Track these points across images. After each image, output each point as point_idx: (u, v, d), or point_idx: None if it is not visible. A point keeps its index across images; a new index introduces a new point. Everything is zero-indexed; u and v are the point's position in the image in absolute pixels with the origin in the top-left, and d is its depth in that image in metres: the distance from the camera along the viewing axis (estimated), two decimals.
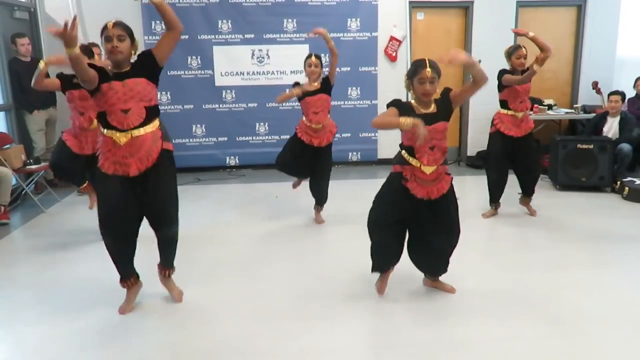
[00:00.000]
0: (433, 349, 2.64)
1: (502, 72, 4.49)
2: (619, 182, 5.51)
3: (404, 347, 2.67)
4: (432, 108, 2.82)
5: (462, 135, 7.44)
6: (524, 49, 4.46)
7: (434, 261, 3.14)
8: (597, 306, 3.06)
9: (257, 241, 4.28)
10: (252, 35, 6.74)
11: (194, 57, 6.70)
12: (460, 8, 7.15)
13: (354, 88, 6.96)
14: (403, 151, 2.90)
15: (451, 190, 2.97)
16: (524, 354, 2.58)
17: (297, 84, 4.48)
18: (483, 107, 7.03)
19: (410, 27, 7.02)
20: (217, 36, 6.69)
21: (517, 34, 4.66)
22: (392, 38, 6.94)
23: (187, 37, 6.59)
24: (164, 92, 6.70)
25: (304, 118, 4.49)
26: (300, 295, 3.27)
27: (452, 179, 2.99)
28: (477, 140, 7.29)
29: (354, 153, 7.10)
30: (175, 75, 6.70)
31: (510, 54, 4.51)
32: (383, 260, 3.15)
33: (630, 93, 6.55)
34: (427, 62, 2.74)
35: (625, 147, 5.75)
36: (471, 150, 7.33)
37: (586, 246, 4.06)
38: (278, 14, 6.72)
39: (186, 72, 6.73)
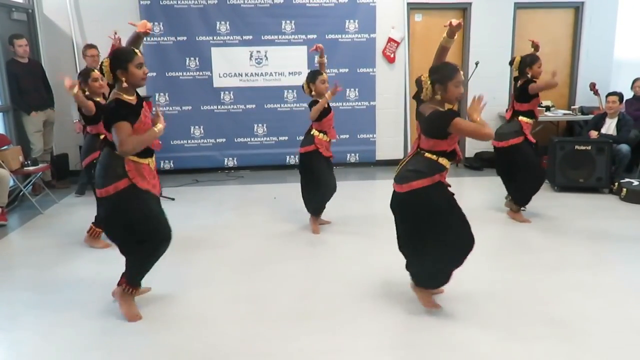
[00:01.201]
0: (432, 351, 2.64)
1: (528, 82, 4.48)
2: (616, 184, 5.52)
3: (402, 348, 2.67)
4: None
5: (460, 137, 7.42)
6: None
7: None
8: (596, 307, 3.07)
9: (255, 243, 4.27)
10: (251, 37, 6.73)
11: (192, 58, 6.69)
12: (459, 9, 7.16)
13: (352, 89, 6.96)
14: (440, 158, 2.81)
15: None
16: (522, 355, 2.59)
17: None
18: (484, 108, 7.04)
19: (409, 29, 7.03)
20: (215, 37, 6.68)
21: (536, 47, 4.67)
22: (390, 39, 6.94)
23: (185, 38, 6.61)
24: (162, 93, 6.69)
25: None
26: (299, 296, 3.27)
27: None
28: (476, 142, 7.29)
29: (353, 154, 7.10)
30: (174, 76, 6.69)
31: (530, 63, 4.48)
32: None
33: (628, 94, 6.56)
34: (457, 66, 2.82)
35: (624, 148, 5.76)
36: (469, 152, 7.34)
37: (584, 247, 4.06)
38: (276, 16, 6.72)
39: (184, 74, 6.72)
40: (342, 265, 3.70)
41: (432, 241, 2.81)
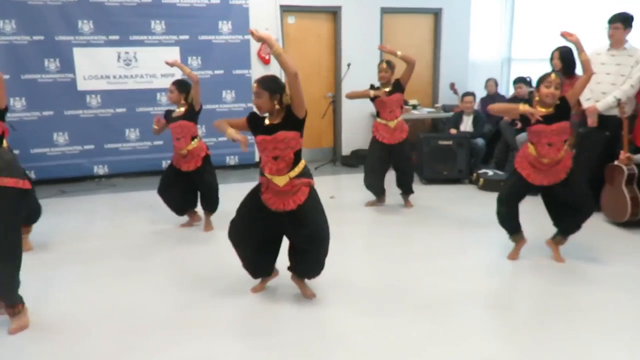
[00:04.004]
0: (309, 343, 2.71)
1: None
2: (475, 174, 6.07)
3: (281, 346, 2.71)
4: (278, 119, 2.87)
5: (336, 135, 7.69)
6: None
7: (306, 267, 3.16)
8: (460, 289, 3.35)
9: (130, 253, 4.07)
10: (117, 37, 6.39)
11: (51, 59, 6.18)
12: (329, 13, 7.40)
13: (228, 91, 6.89)
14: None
15: (311, 200, 2.96)
16: (395, 341, 2.75)
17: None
18: (355, 108, 7.36)
19: (282, 31, 7.12)
20: (77, 37, 6.23)
21: (383, 50, 4.92)
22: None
23: (42, 37, 6.09)
24: (17, 98, 6.10)
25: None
26: (178, 305, 3.18)
27: (309, 190, 2.97)
28: (352, 140, 7.61)
29: (232, 157, 7.03)
30: (31, 79, 6.13)
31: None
32: (255, 271, 3.21)
33: (482, 93, 7.24)
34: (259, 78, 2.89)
35: (480, 142, 6.34)
36: (346, 150, 7.62)
37: (449, 234, 4.42)
38: (145, 15, 6.44)
39: (43, 76, 6.19)
40: (222, 269, 3.65)
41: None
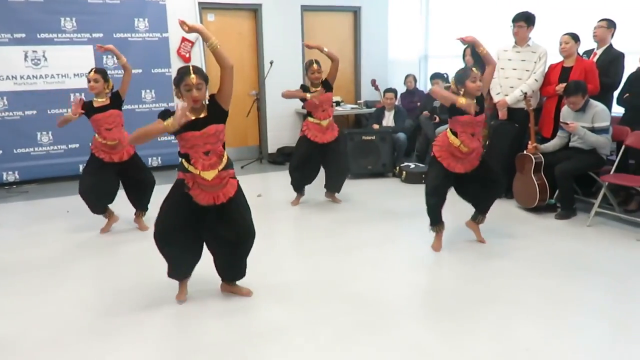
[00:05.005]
0: (241, 345, 2.70)
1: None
2: (398, 168, 6.27)
3: (211, 346, 2.68)
4: (204, 113, 2.79)
5: (261, 133, 7.67)
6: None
7: (230, 267, 3.15)
8: (389, 279, 3.46)
9: (45, 263, 3.85)
10: (24, 35, 5.99)
11: None
12: (250, 10, 7.35)
13: (147, 91, 6.67)
14: (182, 159, 2.85)
15: (239, 193, 2.97)
16: (327, 332, 2.80)
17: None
18: (280, 106, 7.38)
19: None
20: None
21: (308, 47, 4.94)
22: (184, 39, 6.83)
23: None
24: None
25: None
26: (100, 314, 3.05)
27: (238, 182, 2.98)
28: (277, 138, 7.62)
29: (154, 158, 6.83)
30: None
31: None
32: (178, 272, 3.14)
33: (402, 89, 7.49)
34: (191, 68, 2.74)
35: (401, 136, 6.56)
36: (272, 148, 7.62)
37: (376, 226, 4.54)
38: (53, 12, 6.08)
39: None
40: (143, 274, 3.54)
41: None
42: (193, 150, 2.79)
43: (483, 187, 3.87)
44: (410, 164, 6.33)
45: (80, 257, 3.97)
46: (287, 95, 5.00)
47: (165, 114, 2.70)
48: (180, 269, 3.12)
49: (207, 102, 2.82)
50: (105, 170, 4.24)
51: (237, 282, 3.23)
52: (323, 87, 4.85)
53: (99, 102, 4.16)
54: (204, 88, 2.76)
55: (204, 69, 2.72)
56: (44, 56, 6.13)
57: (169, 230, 2.94)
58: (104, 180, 4.26)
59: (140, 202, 4.47)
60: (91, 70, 4.16)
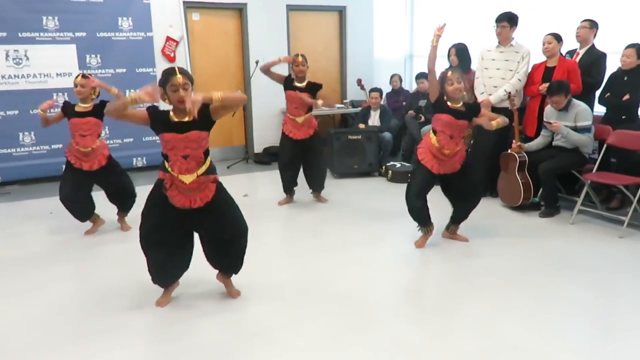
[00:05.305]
0: (229, 345, 2.69)
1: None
2: (384, 167, 6.30)
3: (199, 347, 2.67)
4: (188, 117, 2.75)
5: (247, 133, 7.65)
6: None
7: (229, 261, 3.13)
8: (376, 278, 3.48)
9: (27, 264, 3.80)
10: (4, 34, 5.90)
11: None
12: (235, 9, 7.32)
13: (132, 90, 6.59)
14: (164, 159, 2.84)
15: (221, 194, 2.94)
16: (315, 331, 2.80)
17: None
18: (266, 105, 7.37)
19: (187, 28, 6.95)
20: None
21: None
22: (168, 38, 6.78)
23: None
24: None
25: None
26: (83, 316, 3.02)
27: (216, 186, 2.92)
28: (263, 138, 7.60)
29: (139, 158, 6.77)
30: None
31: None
32: (163, 279, 3.11)
33: (387, 88, 7.52)
34: (177, 69, 2.73)
35: (387, 135, 6.59)
36: (258, 148, 7.60)
37: (362, 226, 4.56)
38: (35, 11, 5.99)
39: None
40: (126, 275, 3.51)
41: None
42: (172, 152, 2.77)
43: (459, 198, 3.97)
44: (396, 163, 6.36)
45: (63, 259, 3.93)
46: (265, 68, 4.85)
47: (154, 109, 2.74)
48: (165, 274, 3.09)
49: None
50: (82, 176, 4.21)
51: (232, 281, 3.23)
52: (308, 87, 4.85)
53: (81, 107, 4.14)
54: (190, 88, 2.74)
55: (189, 69, 2.70)
56: (25, 55, 6.04)
57: (153, 230, 2.91)
58: (83, 188, 4.25)
59: (122, 205, 4.44)
60: (78, 75, 4.15)
